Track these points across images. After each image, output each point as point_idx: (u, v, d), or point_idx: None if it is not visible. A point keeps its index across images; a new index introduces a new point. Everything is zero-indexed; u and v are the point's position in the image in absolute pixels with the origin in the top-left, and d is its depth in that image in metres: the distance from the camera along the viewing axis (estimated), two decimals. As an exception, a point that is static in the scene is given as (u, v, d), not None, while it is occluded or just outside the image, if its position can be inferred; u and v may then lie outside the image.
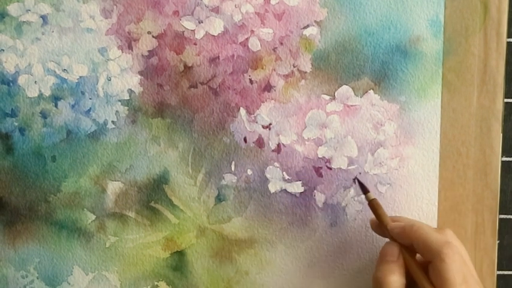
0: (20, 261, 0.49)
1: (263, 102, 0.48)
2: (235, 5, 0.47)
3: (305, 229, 0.49)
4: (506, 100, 0.50)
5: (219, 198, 0.49)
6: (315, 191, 0.48)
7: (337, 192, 0.48)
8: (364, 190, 0.47)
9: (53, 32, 0.47)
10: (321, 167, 0.48)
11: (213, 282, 0.49)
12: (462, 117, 0.48)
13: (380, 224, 0.45)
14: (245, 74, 0.48)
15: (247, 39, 0.47)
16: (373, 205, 0.46)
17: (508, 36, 0.48)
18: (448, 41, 0.48)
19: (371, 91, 0.48)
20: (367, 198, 0.46)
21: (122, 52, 0.48)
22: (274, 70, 0.48)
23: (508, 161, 0.50)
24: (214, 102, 0.48)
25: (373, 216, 0.46)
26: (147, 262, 0.49)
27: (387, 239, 0.45)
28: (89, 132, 0.48)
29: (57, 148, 0.48)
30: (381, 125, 0.48)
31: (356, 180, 0.48)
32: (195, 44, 0.47)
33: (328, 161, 0.48)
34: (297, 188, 0.48)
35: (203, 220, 0.49)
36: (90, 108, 0.48)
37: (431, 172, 0.48)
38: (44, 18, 0.47)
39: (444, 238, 0.42)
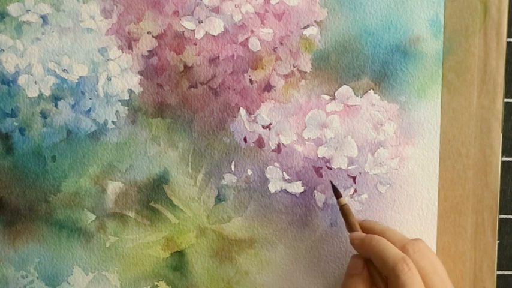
0: (20, 261, 0.49)
1: (263, 102, 0.48)
2: (235, 5, 0.47)
3: (305, 229, 0.49)
4: (506, 100, 0.50)
5: (219, 198, 0.49)
6: (315, 191, 0.48)
7: (337, 192, 0.48)
8: (337, 195, 0.47)
9: (53, 32, 0.47)
10: (321, 167, 0.48)
11: (213, 282, 0.49)
12: (462, 117, 0.48)
13: (349, 229, 0.46)
14: (245, 74, 0.48)
15: (247, 39, 0.47)
16: (344, 211, 0.46)
17: (508, 36, 0.48)
18: (448, 41, 0.48)
19: (371, 91, 0.48)
20: (338, 203, 0.46)
21: (122, 52, 0.48)
22: (274, 70, 0.48)
23: (508, 161, 0.50)
24: (214, 102, 0.48)
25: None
26: (147, 262, 0.49)
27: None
28: (89, 132, 0.48)
29: (57, 148, 0.48)
30: (381, 125, 0.48)
31: (330, 184, 0.48)
32: (195, 44, 0.47)
33: (328, 161, 0.48)
34: (297, 188, 0.48)
35: (203, 220, 0.49)
36: (90, 108, 0.48)
37: (431, 172, 0.48)
38: (44, 18, 0.47)
39: (400, 253, 0.41)
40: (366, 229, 0.46)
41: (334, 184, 0.47)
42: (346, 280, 0.43)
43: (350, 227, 0.45)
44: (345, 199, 0.47)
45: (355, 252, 0.45)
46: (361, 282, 0.42)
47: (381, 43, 0.48)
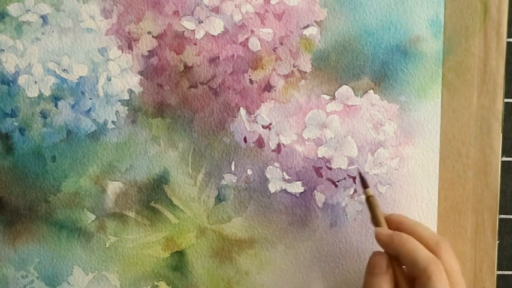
0: (20, 261, 0.49)
1: (263, 102, 0.48)
2: (235, 5, 0.47)
3: (305, 229, 0.49)
4: (506, 100, 0.50)
5: (219, 198, 0.49)
6: (315, 191, 0.48)
7: (337, 192, 0.48)
8: (364, 184, 0.46)
9: (53, 32, 0.47)
10: (321, 167, 0.48)
11: (213, 282, 0.49)
12: (462, 117, 0.48)
13: (374, 224, 0.45)
14: (245, 74, 0.48)
15: (247, 39, 0.47)
16: (370, 202, 0.45)
17: (508, 36, 0.48)
18: (448, 41, 0.48)
19: (371, 91, 0.48)
20: (365, 193, 0.46)
21: (122, 52, 0.48)
22: (274, 70, 0.48)
23: (508, 161, 0.50)
24: (214, 102, 0.48)
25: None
26: (147, 262, 0.49)
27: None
28: (89, 132, 0.48)
29: (57, 148, 0.48)
30: (381, 125, 0.48)
31: (358, 174, 0.47)
32: (195, 44, 0.47)
33: (328, 161, 0.48)
34: (297, 188, 0.48)
35: (203, 220, 0.49)
36: (90, 108, 0.48)
37: (431, 172, 0.48)
38: (44, 18, 0.47)
39: (431, 255, 0.41)
40: (394, 223, 0.45)
41: (362, 174, 0.47)
42: (370, 280, 0.42)
43: (375, 220, 0.44)
44: (372, 190, 0.46)
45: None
46: (386, 282, 0.42)
47: (381, 43, 0.48)
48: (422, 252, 0.41)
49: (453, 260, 0.42)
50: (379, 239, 0.43)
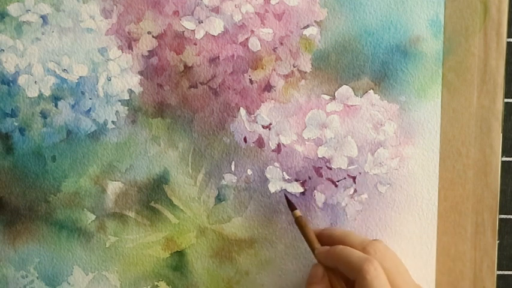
0: (20, 261, 0.49)
1: (263, 102, 0.48)
2: (235, 5, 0.47)
3: (305, 229, 0.49)
4: (506, 100, 0.50)
5: (219, 198, 0.49)
6: (315, 191, 0.48)
7: (337, 192, 0.48)
8: (291, 207, 0.47)
9: (53, 32, 0.47)
10: (321, 167, 0.48)
11: (213, 282, 0.49)
12: (462, 117, 0.48)
13: (307, 242, 0.46)
14: (245, 74, 0.48)
15: (247, 39, 0.47)
16: (299, 222, 0.46)
17: (508, 36, 0.48)
18: (448, 41, 0.48)
19: (371, 91, 0.48)
20: (293, 215, 0.47)
21: (122, 52, 0.48)
22: (274, 70, 0.48)
23: (508, 161, 0.50)
24: (214, 102, 0.48)
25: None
26: (147, 262, 0.49)
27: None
28: (89, 132, 0.48)
29: (57, 148, 0.48)
30: (381, 125, 0.48)
31: (284, 197, 0.48)
32: (195, 44, 0.47)
33: (328, 161, 0.48)
34: (297, 188, 0.48)
35: (203, 220, 0.49)
36: (90, 108, 0.48)
37: (431, 172, 0.48)
38: (44, 18, 0.47)
39: (364, 255, 0.42)
40: (326, 236, 0.46)
41: (288, 197, 0.48)
42: None
43: (307, 239, 0.46)
44: (299, 211, 0.47)
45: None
46: None
47: (381, 43, 0.48)
48: (355, 254, 0.42)
49: (387, 261, 0.43)
50: (319, 256, 0.44)
